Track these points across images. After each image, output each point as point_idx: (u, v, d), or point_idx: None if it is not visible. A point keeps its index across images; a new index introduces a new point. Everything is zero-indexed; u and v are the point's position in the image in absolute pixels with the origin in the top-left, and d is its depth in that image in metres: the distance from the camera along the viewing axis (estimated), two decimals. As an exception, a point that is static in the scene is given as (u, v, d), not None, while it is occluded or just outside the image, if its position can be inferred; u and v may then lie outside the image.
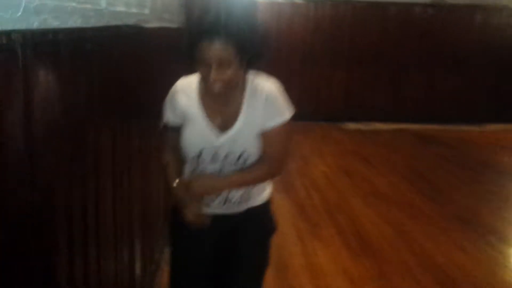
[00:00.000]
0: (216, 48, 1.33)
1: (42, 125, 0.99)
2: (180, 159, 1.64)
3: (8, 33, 0.81)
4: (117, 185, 1.72)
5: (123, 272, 1.83)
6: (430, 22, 7.50)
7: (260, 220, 1.74)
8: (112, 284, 1.68)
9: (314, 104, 7.66)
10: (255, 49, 1.41)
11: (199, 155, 1.55)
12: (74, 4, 1.13)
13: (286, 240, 3.28)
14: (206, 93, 1.52)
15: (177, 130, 1.59)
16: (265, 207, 1.74)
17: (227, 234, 1.70)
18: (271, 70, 6.50)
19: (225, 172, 1.57)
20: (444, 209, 4.06)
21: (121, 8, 1.75)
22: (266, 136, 1.54)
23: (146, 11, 2.32)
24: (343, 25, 7.40)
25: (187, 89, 1.56)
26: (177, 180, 1.61)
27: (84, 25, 1.22)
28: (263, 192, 1.72)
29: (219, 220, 1.65)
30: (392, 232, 3.52)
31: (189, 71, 1.55)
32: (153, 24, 2.50)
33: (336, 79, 7.62)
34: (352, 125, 7.36)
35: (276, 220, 1.79)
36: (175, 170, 1.64)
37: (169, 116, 1.61)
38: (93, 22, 1.30)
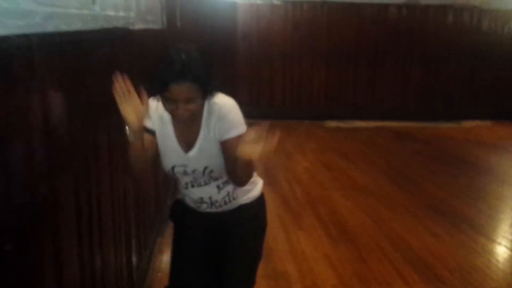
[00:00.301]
0: (183, 89, 1.51)
1: (56, 115, 1.14)
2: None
3: (27, 36, 0.96)
4: (113, 178, 1.86)
5: (121, 257, 1.98)
6: (404, 22, 7.78)
7: (251, 217, 1.87)
8: (112, 266, 1.82)
9: (296, 103, 7.88)
10: (212, 85, 1.61)
11: (173, 169, 1.74)
12: (75, 10, 1.28)
13: (271, 229, 3.40)
14: (174, 118, 1.67)
15: (152, 133, 1.69)
16: (256, 205, 1.88)
17: (221, 229, 1.85)
18: (255, 70, 6.69)
19: (198, 182, 1.75)
20: (419, 199, 4.28)
21: (111, 12, 1.89)
22: (224, 148, 1.68)
23: (132, 14, 2.46)
24: (321, 26, 7.62)
25: (161, 110, 1.66)
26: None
27: (84, 28, 1.37)
28: (249, 193, 1.85)
29: (212, 216, 1.82)
30: (369, 221, 3.72)
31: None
32: (139, 25, 2.64)
33: (316, 78, 7.83)
34: (332, 123, 7.58)
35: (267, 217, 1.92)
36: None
37: (146, 121, 1.64)
38: (90, 25, 1.45)
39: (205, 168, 1.71)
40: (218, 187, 1.77)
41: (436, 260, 3.14)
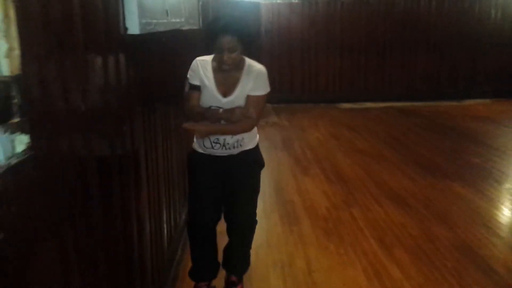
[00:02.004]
0: (227, 40, 2.05)
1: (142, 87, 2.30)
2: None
3: (148, 34, 2.12)
4: (178, 143, 3.01)
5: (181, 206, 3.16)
6: (409, 13, 8.69)
7: (252, 158, 2.44)
8: (178, 211, 3.00)
9: (314, 89, 8.93)
10: (251, 40, 2.19)
11: (209, 109, 2.28)
12: (161, 20, 2.44)
13: (284, 177, 4.59)
14: (218, 70, 2.23)
15: (198, 89, 2.29)
16: (255, 150, 2.47)
17: (229, 169, 2.39)
18: (278, 61, 8.15)
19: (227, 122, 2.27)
20: (407, 158, 5.29)
21: (173, 20, 3.05)
22: (249, 100, 2.26)
23: (183, 19, 3.62)
24: (334, 20, 8.64)
25: (205, 65, 2.26)
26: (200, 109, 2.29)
27: (163, 30, 2.53)
28: (253, 141, 2.43)
29: (223, 160, 2.37)
30: (362, 171, 4.78)
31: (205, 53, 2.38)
32: (186, 27, 3.80)
33: (331, 67, 8.86)
34: (346, 105, 8.60)
35: (264, 159, 2.62)
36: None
37: (193, 79, 2.29)
38: (166, 28, 2.61)
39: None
40: None
41: (408, 194, 4.17)
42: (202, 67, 2.28)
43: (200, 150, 2.40)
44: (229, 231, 2.55)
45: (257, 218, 2.53)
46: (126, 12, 1.79)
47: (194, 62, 2.33)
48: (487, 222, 3.59)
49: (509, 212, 3.83)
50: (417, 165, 4.99)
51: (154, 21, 2.20)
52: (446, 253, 3.11)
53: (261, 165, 2.51)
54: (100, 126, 1.50)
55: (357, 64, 8.86)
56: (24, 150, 0.97)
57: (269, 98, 2.41)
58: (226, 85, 2.28)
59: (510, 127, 7.00)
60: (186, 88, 2.36)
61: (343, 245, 3.22)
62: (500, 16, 8.86)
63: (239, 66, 2.25)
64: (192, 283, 2.63)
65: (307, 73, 8.86)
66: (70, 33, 1.24)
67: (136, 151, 1.97)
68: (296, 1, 8.59)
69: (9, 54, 0.94)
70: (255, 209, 2.50)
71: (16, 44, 0.95)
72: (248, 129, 2.34)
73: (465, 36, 8.81)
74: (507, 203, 4.00)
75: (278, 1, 8.57)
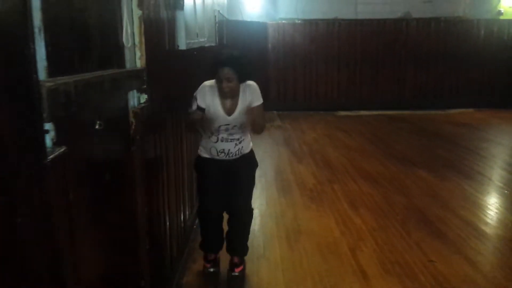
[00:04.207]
0: (225, 71, 2.47)
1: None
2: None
3: (191, 49, 3.30)
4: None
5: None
6: (400, 32, 9.87)
7: (249, 161, 2.88)
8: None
9: (314, 98, 10.10)
10: (245, 74, 2.57)
11: (219, 128, 2.68)
12: (195, 40, 3.63)
13: (282, 164, 5.73)
14: (221, 93, 2.62)
15: (202, 110, 2.65)
16: (251, 153, 2.91)
17: (230, 169, 2.81)
18: (282, 74, 9.74)
19: (227, 139, 2.71)
20: (385, 152, 6.39)
21: (200, 39, 4.24)
22: (255, 110, 2.67)
23: (205, 38, 4.82)
24: (333, 38, 9.85)
25: (212, 89, 2.61)
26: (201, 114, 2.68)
27: (195, 47, 3.71)
28: (248, 147, 2.87)
29: (225, 162, 2.79)
30: (346, 161, 5.91)
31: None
32: (207, 44, 4.99)
33: (329, 79, 10.04)
34: (342, 112, 9.74)
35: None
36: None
37: (200, 101, 2.64)
38: (197, 46, 3.79)
39: (241, 124, 2.70)
40: (235, 144, 2.77)
41: (379, 175, 5.28)
42: (210, 93, 2.66)
43: (207, 156, 2.84)
44: (232, 220, 2.96)
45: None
46: (178, 35, 2.97)
47: (203, 87, 2.69)
48: (437, 194, 4.68)
49: (456, 188, 4.90)
50: (392, 157, 6.09)
51: (191, 41, 3.39)
52: (398, 211, 4.21)
53: (256, 165, 2.98)
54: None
55: (352, 76, 10.04)
56: (144, 102, 2.14)
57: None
58: (230, 106, 2.72)
59: (484, 131, 8.06)
60: (194, 106, 2.73)
61: (322, 206, 4.33)
62: (482, 35, 9.99)
63: (239, 90, 2.67)
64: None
65: (308, 84, 10.05)
66: (159, 49, 2.43)
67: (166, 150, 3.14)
68: (299, 21, 9.82)
69: (140, 57, 2.12)
70: (251, 200, 2.96)
71: (143, 52, 2.13)
72: (262, 128, 2.88)
73: (449, 53, 9.94)
74: (457, 183, 5.07)
75: (283, 21, 9.80)
